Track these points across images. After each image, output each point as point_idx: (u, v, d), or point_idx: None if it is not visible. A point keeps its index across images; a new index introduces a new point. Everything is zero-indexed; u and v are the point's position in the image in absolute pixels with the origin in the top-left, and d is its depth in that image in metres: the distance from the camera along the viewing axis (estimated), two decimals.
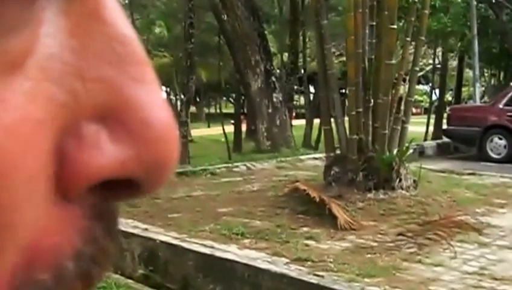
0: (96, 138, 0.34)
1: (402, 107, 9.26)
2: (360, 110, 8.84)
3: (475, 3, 19.98)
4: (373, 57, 8.98)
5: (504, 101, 15.16)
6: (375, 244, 6.72)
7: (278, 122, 16.66)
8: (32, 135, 0.32)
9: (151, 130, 0.35)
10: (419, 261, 6.12)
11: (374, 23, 8.98)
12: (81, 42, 0.34)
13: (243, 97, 27.88)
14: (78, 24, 0.34)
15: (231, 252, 6.35)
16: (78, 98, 0.34)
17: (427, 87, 42.21)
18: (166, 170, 0.37)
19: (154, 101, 0.36)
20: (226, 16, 17.73)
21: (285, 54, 25.83)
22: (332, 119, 9.44)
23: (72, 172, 0.34)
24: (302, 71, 25.74)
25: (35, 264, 0.33)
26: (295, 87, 25.12)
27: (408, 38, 9.37)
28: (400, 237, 6.88)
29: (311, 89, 33.16)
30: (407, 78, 9.58)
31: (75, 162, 0.34)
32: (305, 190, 8.25)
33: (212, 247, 6.49)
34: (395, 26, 8.86)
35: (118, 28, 0.36)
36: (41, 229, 0.33)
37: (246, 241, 6.83)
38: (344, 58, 23.35)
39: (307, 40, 25.53)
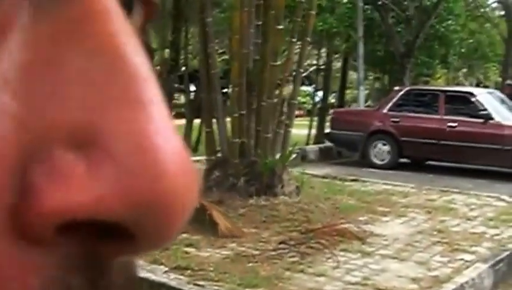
0: (71, 167, 0.29)
1: (285, 110, 9.37)
2: (243, 112, 8.88)
3: (361, 4, 20.38)
4: (258, 57, 9.04)
5: (388, 106, 15.48)
6: (256, 252, 6.77)
7: None
8: None
9: (146, 161, 0.29)
10: (302, 271, 6.21)
11: (260, 23, 9.04)
12: (58, 53, 0.30)
13: None
14: (59, 30, 0.30)
15: None
16: (49, 119, 0.29)
17: (310, 89, 42.69)
18: (172, 217, 0.30)
19: (154, 125, 0.30)
20: None
21: (166, 50, 25.69)
22: (214, 120, 9.44)
23: (37, 206, 0.28)
24: (183, 68, 25.66)
25: None
26: (175, 85, 25.00)
27: (294, 39, 9.47)
28: (282, 246, 6.95)
29: (192, 88, 33.10)
30: (291, 80, 9.69)
31: (41, 195, 0.28)
32: None
33: None
34: (281, 27, 8.95)
35: (111, 36, 0.31)
36: None
37: None
38: (226, 57, 23.44)
39: (190, 36, 25.46)
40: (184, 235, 7.30)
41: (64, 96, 0.29)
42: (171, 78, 21.73)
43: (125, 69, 0.30)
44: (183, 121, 22.23)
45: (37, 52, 0.30)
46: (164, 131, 0.30)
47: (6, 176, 0.28)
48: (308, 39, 9.80)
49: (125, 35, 0.31)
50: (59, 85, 0.30)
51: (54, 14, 0.30)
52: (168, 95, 20.19)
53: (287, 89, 10.12)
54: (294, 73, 9.78)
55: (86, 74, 0.30)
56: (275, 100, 9.02)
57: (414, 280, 6.14)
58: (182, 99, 35.29)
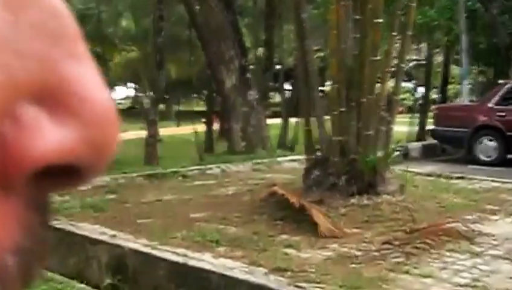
0: (36, 120, 0.33)
1: (386, 106, 9.26)
2: (343, 109, 8.82)
3: None
4: (357, 52, 8.96)
5: (494, 100, 15.18)
6: (359, 253, 6.70)
7: (253, 121, 16.62)
8: None
9: (94, 111, 0.35)
10: (407, 272, 6.10)
11: (358, 17, 8.95)
12: (15, 14, 0.33)
13: (215, 94, 27.87)
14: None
15: (206, 261, 6.31)
16: (14, 76, 0.32)
17: (410, 85, 42.32)
18: (109, 153, 0.36)
19: (93, 79, 0.35)
20: (198, 8, 17.67)
21: (260, 49, 25.78)
22: (313, 119, 9.40)
23: (12, 158, 0.33)
24: (278, 67, 25.70)
25: None
26: (270, 84, 25.07)
27: (394, 33, 9.34)
28: (386, 246, 6.87)
29: (287, 86, 33.15)
30: (393, 75, 9.56)
31: (15, 147, 0.33)
32: (283, 195, 8.21)
33: (185, 255, 6.45)
34: (380, 20, 8.84)
35: (49, 0, 0.35)
36: None
37: (222, 249, 6.79)
38: (321, 54, 23.39)
39: (283, 34, 25.47)
40: (284, 236, 7.30)
41: (24, 54, 0.33)
42: (266, 77, 21.79)
43: (69, 29, 0.35)
44: (278, 120, 22.26)
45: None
46: (102, 83, 0.36)
47: None
48: (409, 33, 9.62)
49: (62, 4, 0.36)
50: (19, 44, 0.33)
51: None
52: (263, 94, 20.26)
53: (389, 85, 9.98)
54: (395, 68, 9.64)
55: (40, 34, 0.34)
56: (376, 96, 8.91)
57: None
58: (277, 98, 35.44)
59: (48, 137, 0.33)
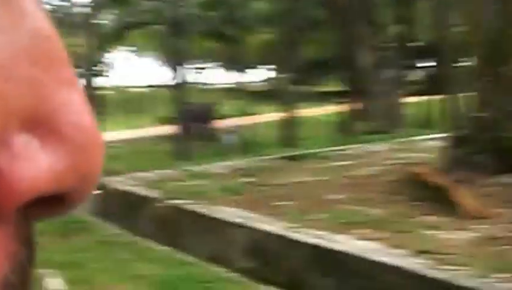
0: (28, 148, 0.32)
1: None
2: (487, 85, 8.54)
3: None
4: (500, 25, 8.65)
5: None
6: (509, 234, 6.43)
7: (391, 100, 16.41)
8: None
9: (84, 137, 0.34)
10: None
11: None
12: (7, 37, 0.32)
13: (352, 74, 27.74)
14: (2, 17, 0.32)
15: (344, 243, 6.21)
16: (6, 102, 0.31)
17: None
18: (97, 178, 0.35)
19: (82, 105, 0.34)
20: None
21: (397, 26, 25.42)
22: (454, 96, 9.15)
23: (3, 188, 0.31)
24: (416, 44, 25.28)
25: None
26: (408, 61, 24.73)
27: None
28: None
29: (426, 63, 32.65)
30: None
31: (6, 177, 0.31)
32: (423, 174, 8.04)
33: (323, 238, 6.36)
34: None
35: (40, 21, 0.33)
36: None
37: (361, 231, 6.68)
38: (462, 28, 22.88)
39: (421, 9, 25.03)
40: (425, 217, 7.13)
41: (17, 79, 0.31)
42: (403, 54, 21.47)
43: (59, 53, 0.34)
44: (417, 98, 21.94)
45: None
46: (88, 108, 0.35)
47: None
48: None
49: (46, 18, 0.34)
50: (12, 69, 0.31)
51: None
52: (401, 72, 19.98)
53: None
54: None
55: (32, 58, 0.32)
56: None
57: None
58: (415, 76, 34.96)
59: (40, 166, 0.32)
